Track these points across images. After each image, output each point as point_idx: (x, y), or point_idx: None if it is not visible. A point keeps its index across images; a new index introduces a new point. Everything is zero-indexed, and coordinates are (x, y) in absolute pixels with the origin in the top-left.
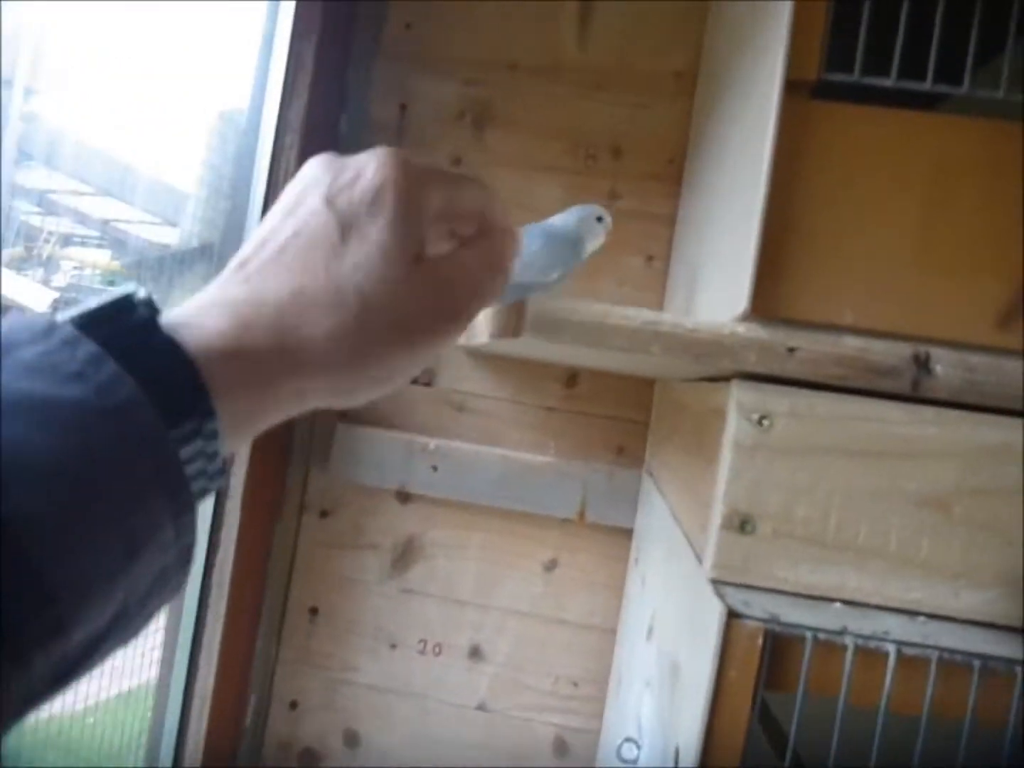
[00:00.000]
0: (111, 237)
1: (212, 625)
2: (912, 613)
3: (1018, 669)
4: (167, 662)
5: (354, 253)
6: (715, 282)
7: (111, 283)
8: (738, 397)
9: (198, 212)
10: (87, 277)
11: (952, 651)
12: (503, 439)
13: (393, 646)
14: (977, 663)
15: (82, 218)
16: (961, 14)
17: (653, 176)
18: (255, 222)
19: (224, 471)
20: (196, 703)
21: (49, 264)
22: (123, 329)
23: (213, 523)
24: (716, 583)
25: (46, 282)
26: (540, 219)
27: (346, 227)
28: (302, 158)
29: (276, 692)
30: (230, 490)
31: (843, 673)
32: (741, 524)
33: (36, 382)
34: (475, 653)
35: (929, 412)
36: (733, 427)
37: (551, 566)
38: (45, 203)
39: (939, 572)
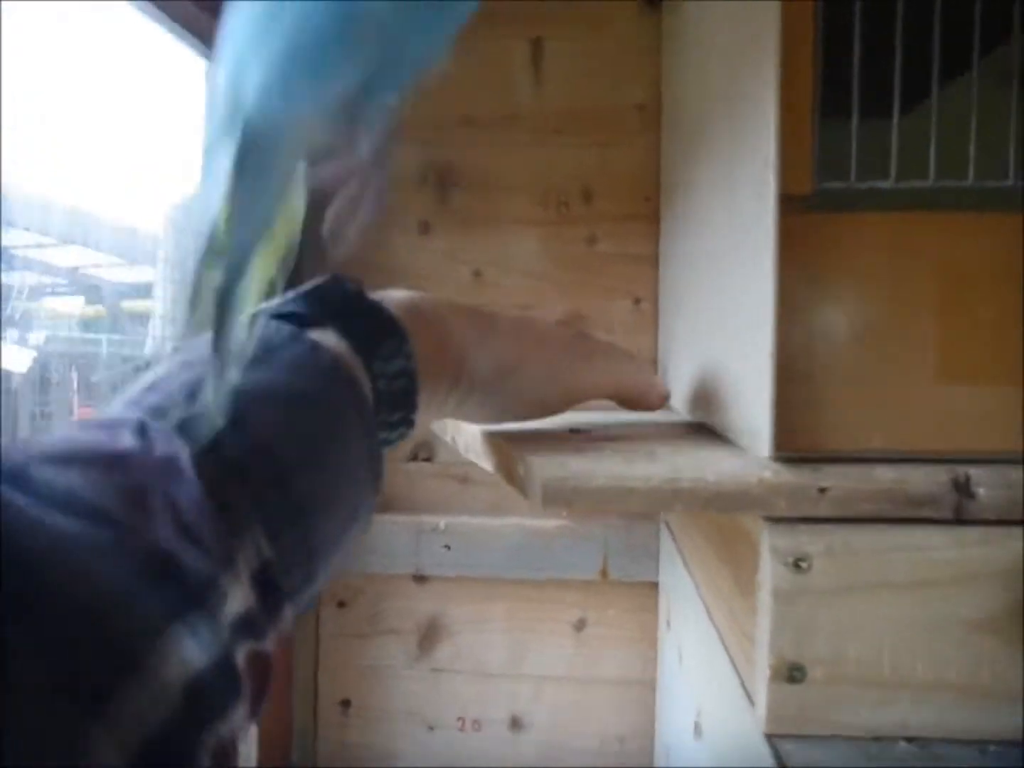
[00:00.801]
0: (81, 284)
1: (246, 735)
2: (981, 743)
3: None
4: None
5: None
6: (726, 329)
7: (89, 329)
8: (771, 542)
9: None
10: (63, 327)
11: None
12: (513, 508)
13: (431, 728)
14: None
15: (49, 269)
16: (957, 102)
17: (630, 216)
18: None
19: (415, 402)
20: None
21: (23, 322)
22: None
23: None
24: (771, 737)
25: (23, 341)
26: (522, 278)
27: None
28: None
29: None
30: None
31: None
32: (790, 673)
33: (294, 376)
34: (515, 724)
35: (973, 533)
36: (770, 573)
37: (580, 626)
38: (7, 259)
39: (1005, 698)
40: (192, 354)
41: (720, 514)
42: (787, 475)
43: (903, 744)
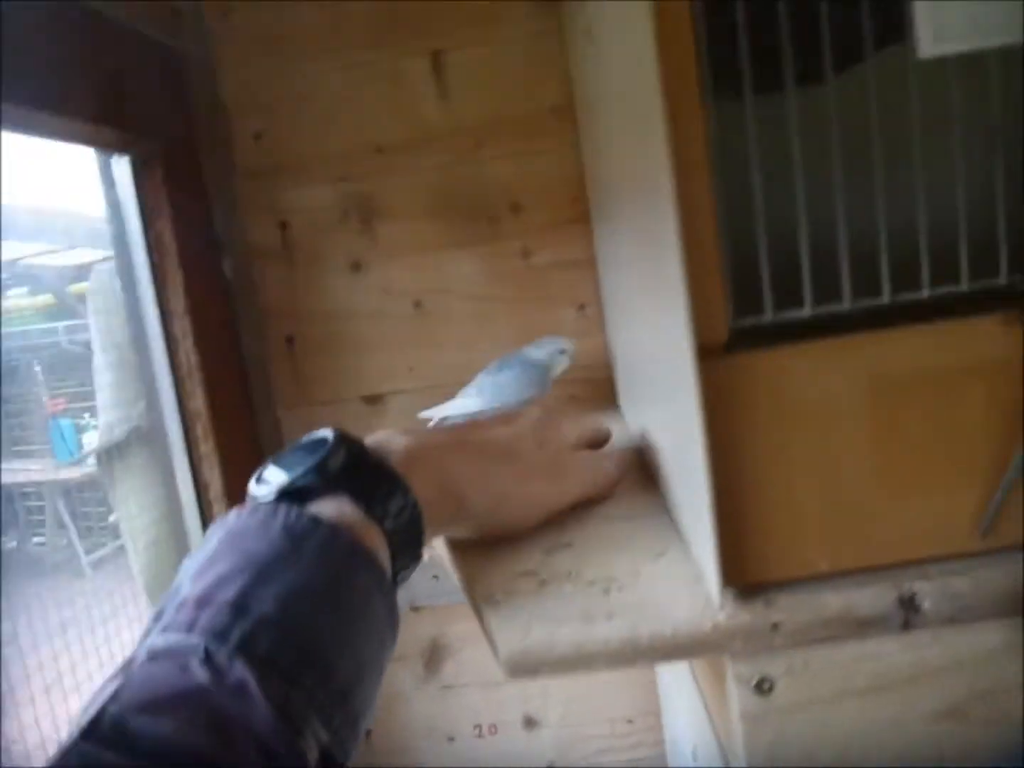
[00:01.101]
0: (20, 275)
1: None
2: None
3: None
4: None
5: (504, 429)
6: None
7: (43, 319)
8: (735, 670)
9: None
10: (16, 322)
11: None
12: None
13: (451, 739)
14: None
15: None
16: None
17: (561, 222)
18: None
19: (422, 542)
20: None
21: None
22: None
23: None
24: None
25: None
26: (464, 302)
27: (505, 422)
28: (200, 335)
29: None
30: None
31: None
32: None
33: (323, 568)
34: (529, 723)
35: (925, 636)
36: (736, 699)
37: None
38: None
39: None
40: (233, 561)
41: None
42: (740, 615)
43: None
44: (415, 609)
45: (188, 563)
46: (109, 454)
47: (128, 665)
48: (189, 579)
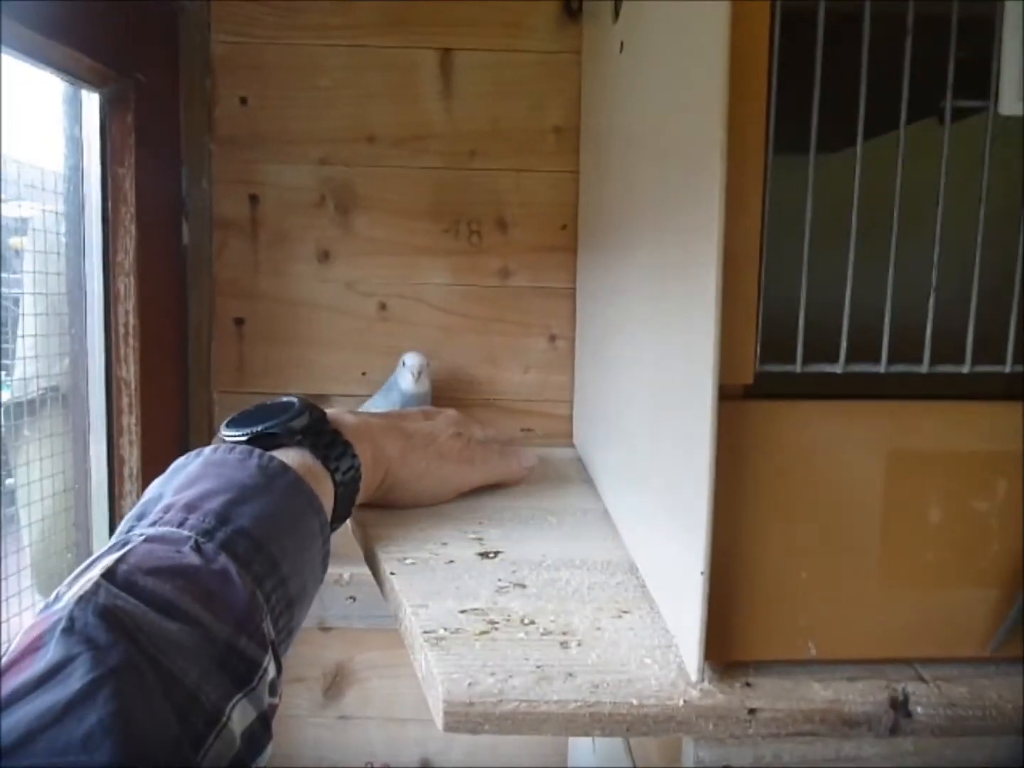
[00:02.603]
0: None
1: None
2: None
3: None
4: None
5: (427, 424)
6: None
7: None
8: (696, 755)
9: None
10: None
11: None
12: None
13: None
14: None
15: None
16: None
17: (546, 247)
18: None
19: (348, 515)
20: None
21: None
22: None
23: None
24: None
25: None
26: (432, 312)
27: (427, 418)
28: (144, 299)
29: None
30: None
31: None
32: None
33: (286, 501)
34: (426, 767)
35: (907, 744)
36: None
37: None
38: None
39: None
40: (216, 482)
41: (641, 736)
42: (715, 695)
43: None
44: (324, 629)
45: (164, 480)
46: (18, 411)
47: (121, 546)
48: (172, 490)
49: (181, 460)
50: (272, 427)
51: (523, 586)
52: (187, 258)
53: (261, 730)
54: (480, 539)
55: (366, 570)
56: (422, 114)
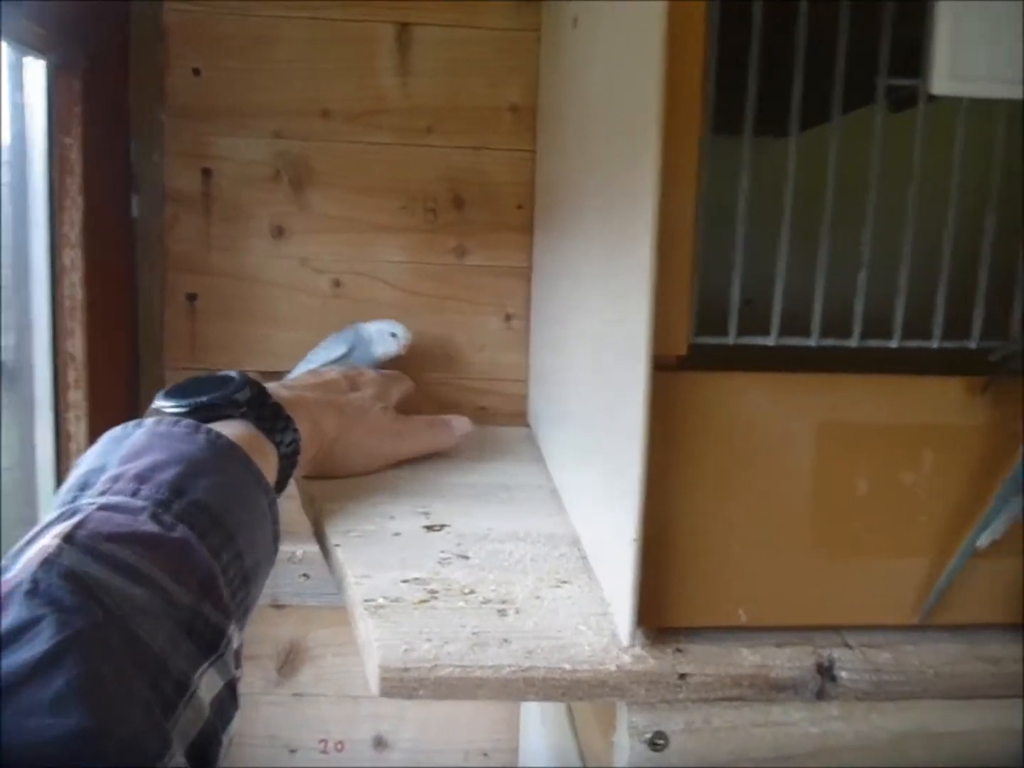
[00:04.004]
0: None
1: None
2: None
3: None
4: None
5: (355, 395)
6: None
7: None
8: (629, 720)
9: None
10: None
11: None
12: None
13: (293, 751)
14: None
15: None
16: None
17: (502, 226)
18: None
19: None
20: None
21: None
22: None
23: None
24: None
25: None
26: (387, 290)
27: (353, 387)
28: (91, 273)
29: None
30: None
31: None
32: None
33: (233, 477)
34: (380, 743)
35: (833, 709)
36: (627, 752)
37: None
38: None
39: None
40: (165, 454)
41: (576, 701)
42: (646, 660)
43: None
44: (277, 606)
45: (104, 450)
46: None
47: (71, 514)
48: (117, 461)
49: (118, 431)
50: (216, 399)
51: (466, 557)
52: (137, 231)
53: (229, 699)
54: (427, 513)
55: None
56: (379, 89)
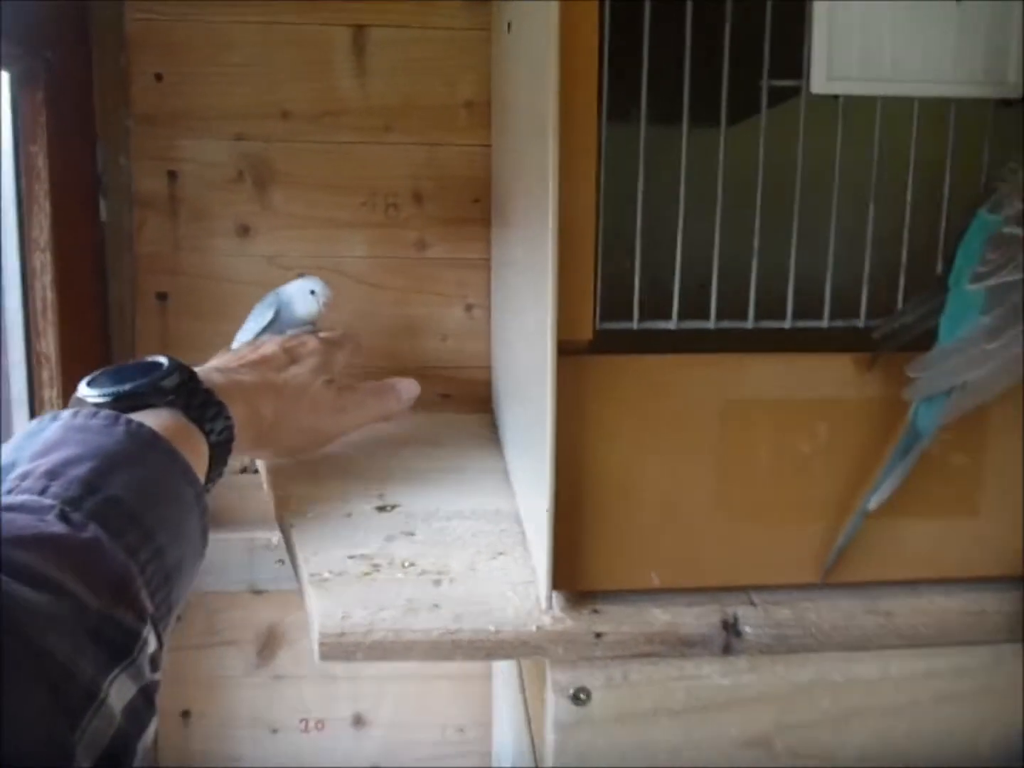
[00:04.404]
0: None
1: None
2: None
3: None
4: None
5: (295, 370)
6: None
7: None
8: (553, 677)
9: None
10: None
11: None
12: None
13: (275, 731)
14: None
15: None
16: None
17: (460, 220)
18: None
19: (222, 475)
20: None
21: None
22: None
23: None
24: None
25: None
26: (352, 284)
27: (292, 359)
28: (62, 275)
29: None
30: None
31: None
32: None
33: (154, 471)
34: (358, 721)
35: (742, 662)
36: (552, 706)
37: None
38: None
39: None
40: (79, 449)
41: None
42: (565, 621)
43: None
44: (256, 592)
45: (16, 446)
46: None
47: None
48: (27, 457)
49: (34, 424)
50: (141, 386)
51: (412, 534)
52: (106, 234)
53: (144, 705)
54: (381, 495)
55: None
56: (337, 90)
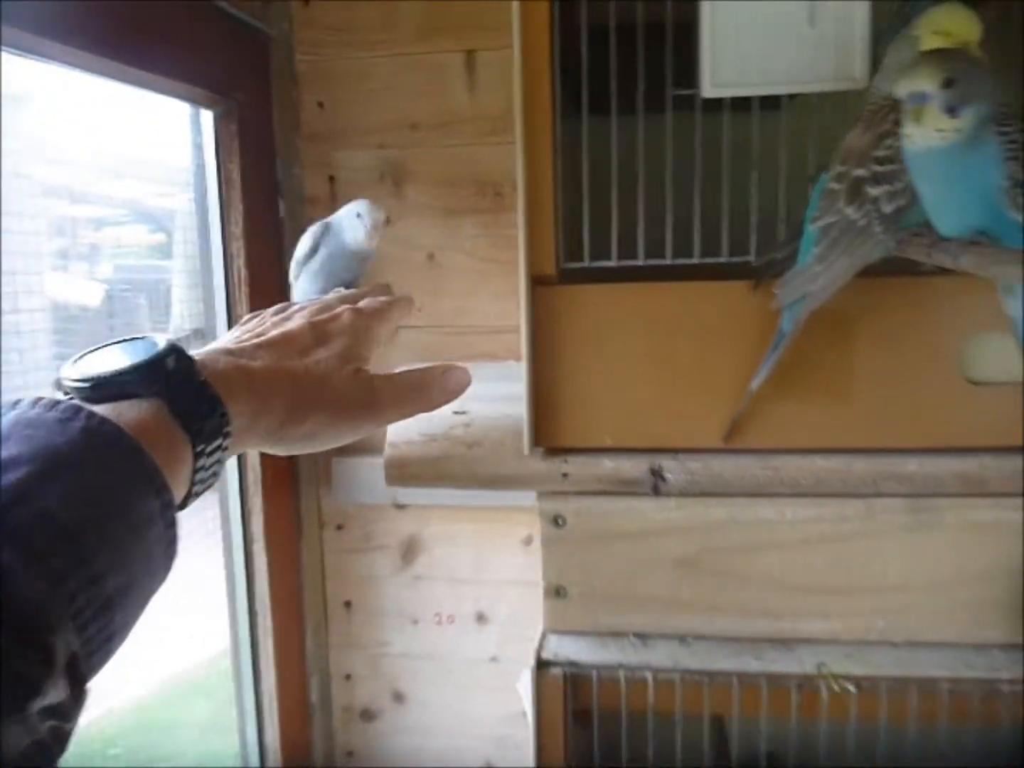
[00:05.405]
0: (139, 212)
1: (263, 625)
2: (683, 638)
3: (734, 679)
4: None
5: (320, 354)
6: None
7: (159, 254)
8: (541, 506)
9: None
10: (132, 255)
11: (697, 672)
12: None
13: (415, 622)
14: (706, 679)
15: (108, 201)
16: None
17: None
18: None
19: (218, 475)
20: (265, 690)
21: (92, 254)
22: (175, 378)
23: (245, 546)
24: (547, 631)
25: (91, 274)
26: (468, 259)
27: (319, 340)
28: (251, 257)
29: (333, 670)
30: (252, 519)
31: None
32: (557, 592)
33: (105, 475)
34: (480, 618)
35: (672, 502)
36: (542, 528)
37: (528, 541)
38: (72, 194)
39: (697, 608)
40: (20, 447)
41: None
42: (543, 466)
43: (631, 638)
44: (399, 507)
45: None
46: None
47: None
48: None
49: None
50: (123, 372)
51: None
52: (284, 227)
53: (38, 757)
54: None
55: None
56: (452, 103)
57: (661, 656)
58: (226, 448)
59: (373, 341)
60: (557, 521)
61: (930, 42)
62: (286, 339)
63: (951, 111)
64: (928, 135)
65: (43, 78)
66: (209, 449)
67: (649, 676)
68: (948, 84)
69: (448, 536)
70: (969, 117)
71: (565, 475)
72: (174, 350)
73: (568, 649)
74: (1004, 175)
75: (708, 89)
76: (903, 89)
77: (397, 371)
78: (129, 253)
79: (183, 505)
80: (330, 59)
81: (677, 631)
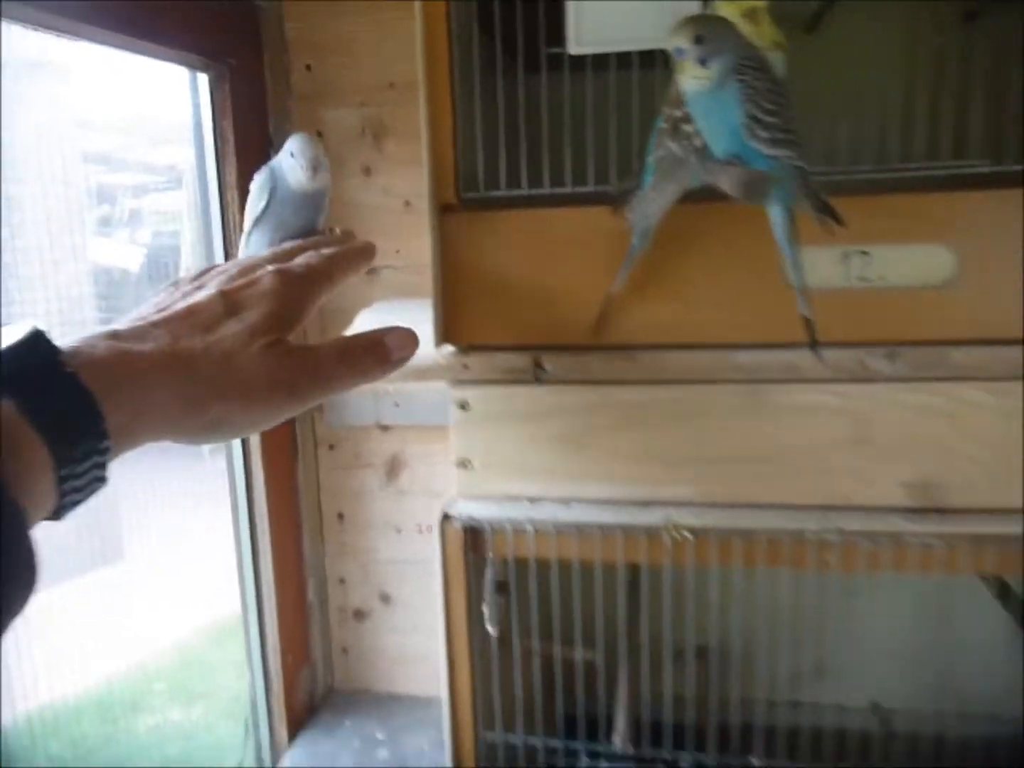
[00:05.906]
0: (180, 180)
1: (263, 537)
2: (565, 500)
3: (619, 532)
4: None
5: (228, 327)
6: None
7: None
8: (452, 394)
9: None
10: (169, 221)
11: (568, 524)
12: None
13: (399, 531)
14: (575, 531)
15: (149, 168)
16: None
17: None
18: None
19: (104, 479)
20: (265, 593)
21: (133, 220)
22: (32, 371)
23: (245, 467)
24: (457, 496)
25: (132, 240)
26: None
27: (230, 310)
28: (244, 201)
29: (329, 575)
30: (251, 441)
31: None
32: (463, 464)
33: None
34: None
35: (552, 389)
36: (452, 411)
37: None
38: (112, 161)
39: (578, 478)
40: None
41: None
42: (449, 359)
43: (526, 503)
44: (383, 428)
45: None
46: None
47: None
48: None
49: None
50: None
51: None
52: None
53: None
54: None
55: (405, 384)
56: None
57: (543, 514)
58: (105, 450)
59: (303, 304)
60: (463, 405)
61: (721, 8)
62: (189, 312)
63: (703, 62)
64: (689, 82)
65: (67, 48)
66: (78, 454)
67: (531, 528)
68: (699, 40)
69: (428, 453)
70: (716, 67)
71: (466, 366)
72: (34, 341)
73: (470, 508)
74: (744, 114)
75: (573, 47)
76: (669, 45)
77: (328, 340)
78: (167, 219)
79: (57, 516)
80: (318, 27)
81: (561, 496)
